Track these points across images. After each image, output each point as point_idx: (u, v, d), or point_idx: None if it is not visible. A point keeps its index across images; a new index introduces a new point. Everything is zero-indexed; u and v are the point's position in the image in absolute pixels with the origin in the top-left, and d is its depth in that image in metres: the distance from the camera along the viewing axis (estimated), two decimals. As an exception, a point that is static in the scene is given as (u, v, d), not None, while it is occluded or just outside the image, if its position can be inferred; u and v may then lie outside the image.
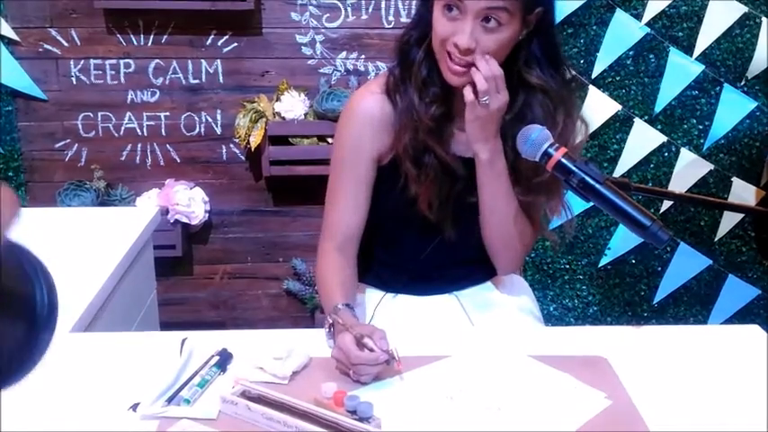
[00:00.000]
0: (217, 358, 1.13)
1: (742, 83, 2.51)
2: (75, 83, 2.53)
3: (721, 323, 2.68)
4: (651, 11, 2.42)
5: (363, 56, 2.60)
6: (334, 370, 1.12)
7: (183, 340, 1.17)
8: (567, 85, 1.31)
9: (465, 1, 1.15)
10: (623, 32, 2.44)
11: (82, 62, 2.52)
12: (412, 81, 1.28)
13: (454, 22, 1.18)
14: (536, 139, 1.12)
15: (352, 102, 1.36)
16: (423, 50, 1.26)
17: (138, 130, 2.60)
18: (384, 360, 1.08)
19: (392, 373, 1.11)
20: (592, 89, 2.47)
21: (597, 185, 1.07)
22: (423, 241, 1.40)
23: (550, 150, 1.11)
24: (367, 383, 1.09)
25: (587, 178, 1.07)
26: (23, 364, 0.61)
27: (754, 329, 1.30)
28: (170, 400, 1.03)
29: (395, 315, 1.42)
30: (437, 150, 1.28)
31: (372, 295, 1.50)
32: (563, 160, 1.10)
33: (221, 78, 2.58)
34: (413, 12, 2.54)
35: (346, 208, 1.35)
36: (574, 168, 1.09)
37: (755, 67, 2.48)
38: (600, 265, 2.68)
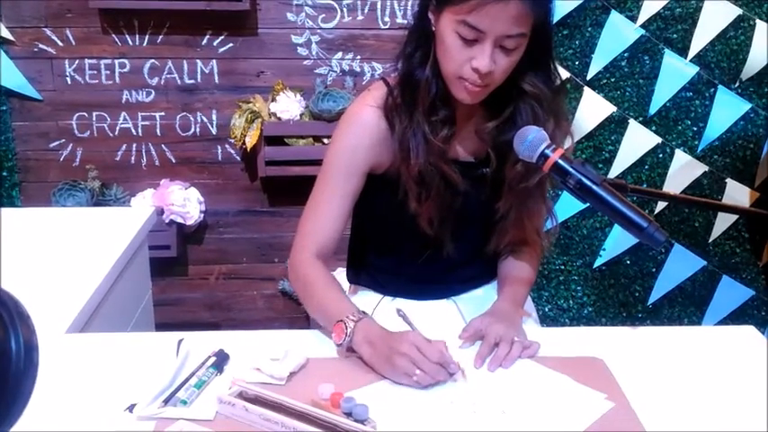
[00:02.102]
0: (213, 359, 1.13)
1: (736, 85, 2.52)
2: (69, 83, 2.52)
3: (715, 324, 2.69)
4: (646, 13, 2.43)
5: (359, 56, 2.60)
6: (332, 371, 1.12)
7: (180, 341, 1.17)
8: (558, 93, 1.30)
9: (487, 30, 1.13)
10: (618, 34, 2.44)
11: (77, 62, 2.51)
12: (419, 103, 1.25)
13: (471, 47, 1.16)
14: (533, 140, 1.13)
15: (350, 113, 1.34)
16: (429, 69, 1.24)
17: (134, 130, 2.60)
18: (453, 370, 1.10)
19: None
20: (587, 91, 2.47)
21: (594, 187, 1.07)
22: (420, 249, 1.40)
23: (547, 152, 1.11)
24: (418, 387, 1.09)
25: (584, 179, 1.08)
26: (5, 414, 0.58)
27: (749, 330, 1.31)
28: (167, 401, 1.02)
29: (392, 318, 1.42)
30: (445, 170, 1.28)
31: (369, 298, 1.50)
32: (560, 161, 1.10)
33: (217, 79, 2.58)
34: (408, 13, 2.56)
35: (331, 219, 1.32)
36: (571, 169, 1.09)
37: (750, 68, 2.48)
38: (595, 266, 2.68)
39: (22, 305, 0.60)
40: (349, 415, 0.99)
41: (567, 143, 1.33)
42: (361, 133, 1.30)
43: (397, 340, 1.11)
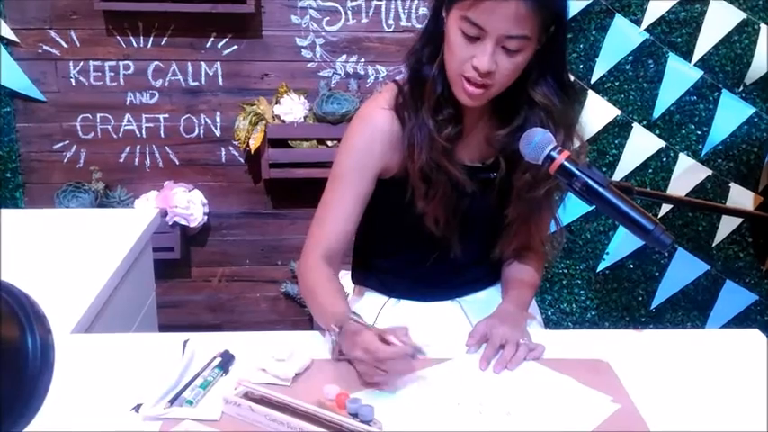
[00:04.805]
0: (219, 359, 1.13)
1: (740, 89, 2.52)
2: (74, 84, 2.53)
3: (719, 328, 2.69)
4: (650, 16, 2.43)
5: (363, 59, 2.61)
6: (337, 372, 1.12)
7: (185, 341, 1.17)
8: (570, 105, 1.29)
9: (487, 28, 1.14)
10: (622, 38, 2.45)
11: (81, 64, 2.51)
12: (425, 100, 1.26)
13: (473, 45, 1.16)
14: (539, 141, 1.12)
15: (361, 115, 1.34)
16: (436, 67, 1.24)
17: (137, 132, 2.60)
18: (411, 353, 1.05)
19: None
20: (591, 94, 2.47)
21: (600, 189, 1.07)
22: (427, 252, 1.40)
23: (553, 153, 1.11)
24: (390, 388, 1.07)
25: (590, 182, 1.07)
26: (22, 412, 0.59)
27: (754, 333, 1.31)
28: (173, 401, 1.03)
29: (397, 320, 1.41)
30: (450, 168, 1.28)
31: (375, 299, 1.50)
32: (566, 164, 1.10)
33: (221, 81, 2.58)
34: (413, 16, 2.56)
35: (341, 221, 1.32)
36: (577, 172, 1.08)
37: (754, 72, 2.48)
38: (598, 269, 2.68)
39: (38, 305, 0.61)
40: (355, 416, 0.99)
41: (576, 144, 1.32)
42: (373, 136, 1.30)
43: (350, 348, 1.09)
